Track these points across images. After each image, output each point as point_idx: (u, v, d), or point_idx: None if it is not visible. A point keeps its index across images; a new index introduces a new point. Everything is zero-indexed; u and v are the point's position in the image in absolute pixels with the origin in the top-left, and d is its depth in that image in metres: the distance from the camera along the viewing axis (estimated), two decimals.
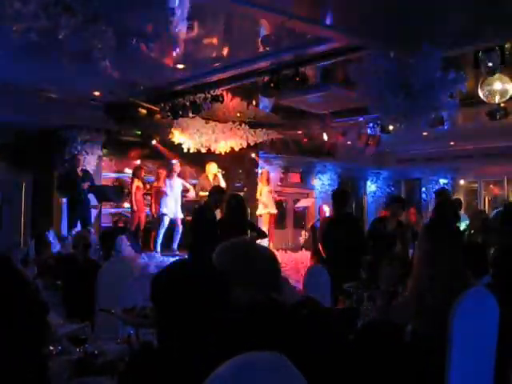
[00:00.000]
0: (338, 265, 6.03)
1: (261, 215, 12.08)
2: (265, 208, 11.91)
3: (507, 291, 3.50)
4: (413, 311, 3.06)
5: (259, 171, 12.95)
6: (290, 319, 1.91)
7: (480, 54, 6.42)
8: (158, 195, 10.64)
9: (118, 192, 10.89)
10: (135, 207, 10.60)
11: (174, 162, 10.71)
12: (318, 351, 1.81)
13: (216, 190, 7.67)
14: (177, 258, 9.52)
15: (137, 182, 10.66)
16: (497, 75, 6.54)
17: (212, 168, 11.12)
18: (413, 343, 2.87)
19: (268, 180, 12.23)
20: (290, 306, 1.98)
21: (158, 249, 10.24)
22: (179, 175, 10.87)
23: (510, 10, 5.42)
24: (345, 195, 7.19)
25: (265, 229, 10.07)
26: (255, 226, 7.76)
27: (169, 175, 10.58)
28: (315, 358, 1.77)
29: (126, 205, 11.38)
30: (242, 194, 12.02)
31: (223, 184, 10.88)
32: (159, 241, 10.32)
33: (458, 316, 2.82)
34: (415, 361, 2.73)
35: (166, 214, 10.33)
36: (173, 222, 10.47)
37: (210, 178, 11.02)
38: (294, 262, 10.31)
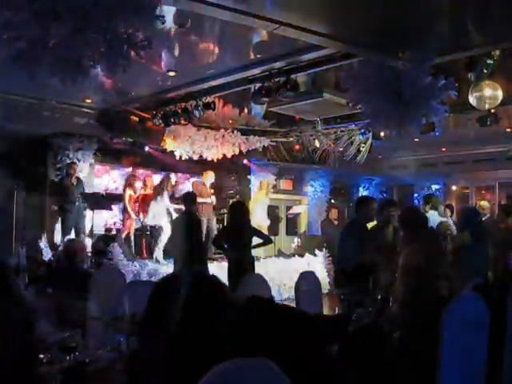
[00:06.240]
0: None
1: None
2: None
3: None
4: (400, 320, 3.04)
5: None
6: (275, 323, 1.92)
7: (470, 60, 6.48)
8: (145, 203, 10.53)
9: (109, 199, 10.83)
10: (132, 215, 10.56)
11: (172, 176, 10.48)
12: (305, 357, 1.81)
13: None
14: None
15: (129, 191, 10.65)
16: (487, 81, 6.59)
17: (210, 177, 11.11)
18: (401, 351, 2.86)
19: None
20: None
21: (161, 258, 9.90)
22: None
23: (498, 18, 5.47)
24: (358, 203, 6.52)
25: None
26: (261, 232, 7.69)
27: (159, 192, 10.23)
28: (301, 364, 1.78)
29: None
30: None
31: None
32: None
33: (447, 323, 2.81)
34: (403, 368, 2.72)
35: (162, 226, 9.99)
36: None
37: (208, 185, 11.02)
38: (288, 268, 10.31)
